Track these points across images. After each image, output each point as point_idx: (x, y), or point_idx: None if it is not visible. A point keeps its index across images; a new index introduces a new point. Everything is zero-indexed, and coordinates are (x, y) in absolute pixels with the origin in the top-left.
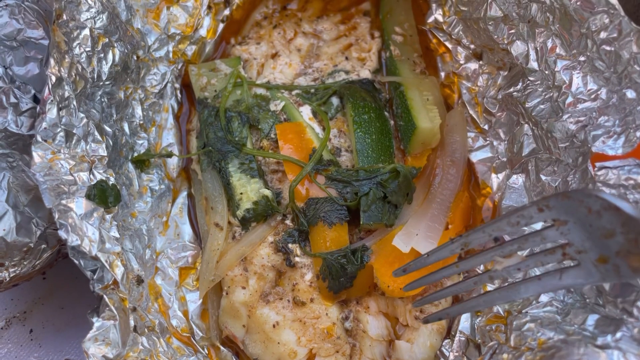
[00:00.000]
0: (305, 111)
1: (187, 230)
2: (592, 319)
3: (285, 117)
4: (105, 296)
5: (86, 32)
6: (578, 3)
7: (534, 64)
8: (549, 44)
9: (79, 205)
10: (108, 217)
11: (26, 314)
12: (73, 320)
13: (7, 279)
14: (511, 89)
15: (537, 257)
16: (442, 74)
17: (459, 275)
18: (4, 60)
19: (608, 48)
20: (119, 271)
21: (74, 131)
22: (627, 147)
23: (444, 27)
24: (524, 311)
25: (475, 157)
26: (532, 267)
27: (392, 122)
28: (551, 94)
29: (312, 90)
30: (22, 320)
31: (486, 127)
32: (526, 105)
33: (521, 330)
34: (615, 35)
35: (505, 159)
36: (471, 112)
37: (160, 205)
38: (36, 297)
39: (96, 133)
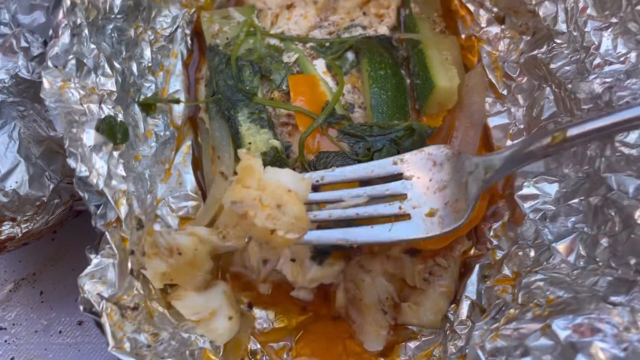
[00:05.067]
0: (319, 65)
1: (189, 180)
2: (604, 281)
3: (298, 69)
4: (107, 233)
5: None
6: None
7: (562, 26)
8: (580, 4)
9: (89, 136)
10: (115, 154)
11: (36, 276)
12: None
13: (19, 235)
14: (535, 52)
15: (377, 205)
16: (463, 36)
17: None
18: (8, 8)
19: None
20: (123, 210)
21: (85, 61)
22: None
23: None
24: (533, 271)
25: (492, 122)
26: (370, 213)
27: (408, 81)
28: (578, 56)
29: (327, 44)
30: (32, 282)
31: (505, 92)
32: (550, 67)
33: (529, 289)
34: None
35: (522, 126)
36: (490, 76)
37: (164, 152)
38: (45, 258)
39: (106, 67)
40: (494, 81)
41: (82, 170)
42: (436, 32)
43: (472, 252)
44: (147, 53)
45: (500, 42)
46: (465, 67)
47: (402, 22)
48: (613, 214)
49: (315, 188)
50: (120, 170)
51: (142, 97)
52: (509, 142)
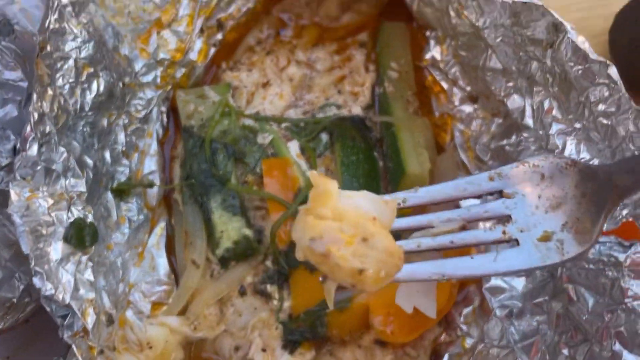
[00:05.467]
0: (294, 147)
1: (162, 264)
2: None
3: (272, 151)
4: (73, 345)
5: (70, 62)
6: (579, 71)
7: (529, 121)
8: (546, 105)
9: (56, 249)
10: (84, 258)
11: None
12: None
13: None
14: (504, 141)
15: (475, 232)
16: (436, 114)
17: None
18: None
19: (605, 121)
20: (90, 320)
21: (54, 167)
22: (611, 224)
23: (441, 66)
24: None
25: (464, 203)
26: (467, 240)
27: (381, 163)
28: None
29: (302, 124)
30: None
31: (477, 173)
32: None
33: None
34: (613, 109)
35: None
36: (462, 156)
37: (138, 235)
38: (19, 342)
39: (76, 168)
40: (466, 162)
41: (47, 288)
42: (409, 113)
43: (442, 337)
44: (121, 138)
45: (474, 122)
46: (439, 146)
47: (376, 100)
48: (573, 326)
49: None
50: (89, 275)
51: (115, 182)
52: (481, 226)
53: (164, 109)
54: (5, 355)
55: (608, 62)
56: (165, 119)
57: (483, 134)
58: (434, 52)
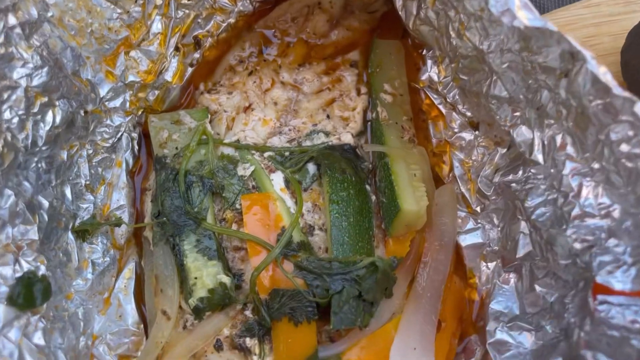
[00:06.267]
0: (277, 179)
1: (130, 312)
2: None
3: (254, 184)
4: None
5: (19, 92)
6: (599, 106)
7: (538, 156)
8: (559, 140)
9: None
10: (33, 319)
11: None
12: None
13: None
14: (510, 177)
15: None
16: (434, 141)
17: None
18: None
19: (629, 164)
20: None
21: None
22: (637, 283)
23: (439, 88)
24: None
25: (464, 240)
26: None
27: (373, 197)
28: (555, 196)
29: (287, 154)
30: None
31: (478, 209)
32: (526, 204)
33: None
34: (638, 151)
35: (497, 248)
36: (462, 189)
37: (103, 280)
38: None
39: (27, 212)
40: (466, 195)
41: None
42: (404, 141)
43: None
44: (85, 170)
45: (475, 150)
46: (437, 176)
47: (368, 126)
48: None
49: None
50: (38, 339)
51: (77, 221)
52: (482, 264)
53: (134, 135)
54: None
55: (634, 98)
56: (136, 147)
57: (485, 164)
58: (432, 72)
